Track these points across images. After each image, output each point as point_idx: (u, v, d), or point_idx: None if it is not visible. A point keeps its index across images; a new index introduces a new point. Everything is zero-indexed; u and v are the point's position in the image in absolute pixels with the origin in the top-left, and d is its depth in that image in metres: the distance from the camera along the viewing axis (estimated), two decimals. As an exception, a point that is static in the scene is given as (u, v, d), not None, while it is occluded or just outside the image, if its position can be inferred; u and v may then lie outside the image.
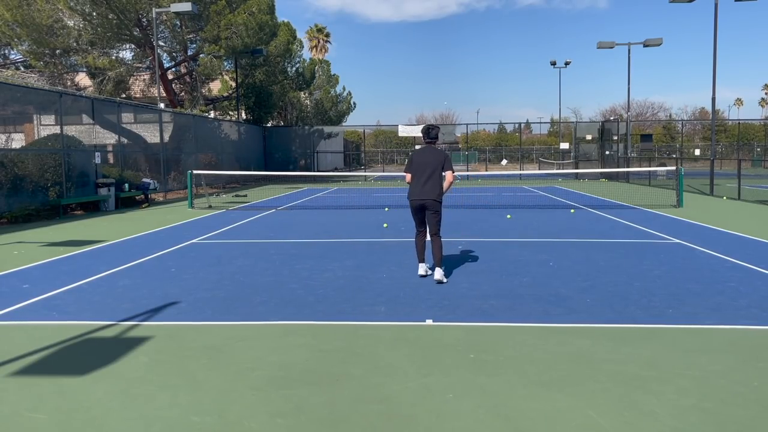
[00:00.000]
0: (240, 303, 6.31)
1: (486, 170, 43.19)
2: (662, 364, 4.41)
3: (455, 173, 7.72)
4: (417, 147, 7.66)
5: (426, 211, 7.21)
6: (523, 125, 70.38)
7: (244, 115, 36.44)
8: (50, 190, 15.61)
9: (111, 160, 21.26)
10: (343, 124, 56.66)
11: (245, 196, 22.83)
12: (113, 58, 28.26)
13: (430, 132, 7.30)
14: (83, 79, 31.29)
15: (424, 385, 4.09)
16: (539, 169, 42.53)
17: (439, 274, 7.05)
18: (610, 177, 31.81)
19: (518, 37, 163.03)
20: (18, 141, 21.41)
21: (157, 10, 23.77)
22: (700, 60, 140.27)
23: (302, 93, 47.72)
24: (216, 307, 6.13)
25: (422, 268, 7.37)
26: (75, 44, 26.77)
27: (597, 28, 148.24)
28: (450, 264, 8.28)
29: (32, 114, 24.04)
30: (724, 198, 18.82)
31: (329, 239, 10.87)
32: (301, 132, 39.78)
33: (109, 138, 21.30)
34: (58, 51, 27.21)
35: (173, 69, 32.64)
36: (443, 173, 7.18)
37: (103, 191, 17.53)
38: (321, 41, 68.74)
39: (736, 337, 5.05)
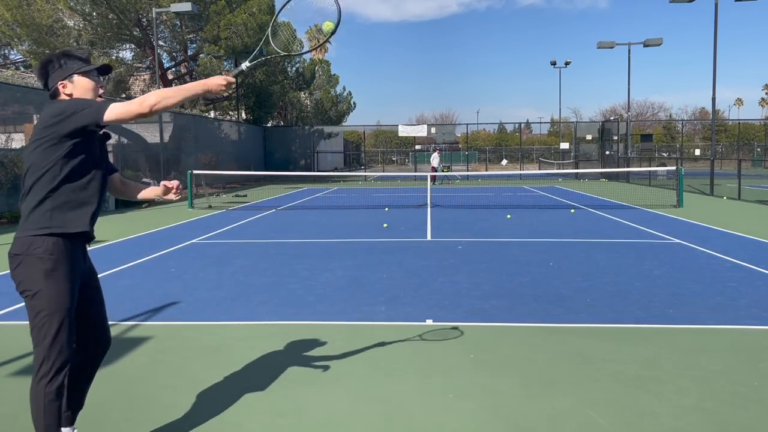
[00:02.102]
0: (240, 303, 6.31)
1: (486, 170, 43.19)
2: (662, 364, 4.41)
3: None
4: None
5: None
6: (523, 125, 70.33)
7: (244, 115, 36.45)
8: (50, 190, 15.60)
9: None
10: (343, 124, 56.63)
11: (245, 196, 22.82)
12: (113, 58, 28.30)
13: (46, 68, 3.02)
14: (83, 79, 31.26)
15: (424, 385, 4.09)
16: (539, 169, 42.50)
17: None
18: (610, 177, 31.80)
19: (519, 37, 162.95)
20: (18, 141, 21.38)
21: (157, 10, 23.77)
22: (700, 60, 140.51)
23: (302, 93, 47.73)
24: (216, 307, 6.13)
25: None
26: (75, 44, 26.75)
27: (597, 28, 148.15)
28: (450, 264, 8.28)
29: (32, 114, 23.98)
30: (725, 198, 18.82)
31: (329, 239, 10.87)
32: (301, 132, 39.76)
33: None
34: (58, 51, 27.24)
35: (173, 69, 32.67)
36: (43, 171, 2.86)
37: (103, 191, 17.51)
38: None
39: (736, 337, 5.05)
